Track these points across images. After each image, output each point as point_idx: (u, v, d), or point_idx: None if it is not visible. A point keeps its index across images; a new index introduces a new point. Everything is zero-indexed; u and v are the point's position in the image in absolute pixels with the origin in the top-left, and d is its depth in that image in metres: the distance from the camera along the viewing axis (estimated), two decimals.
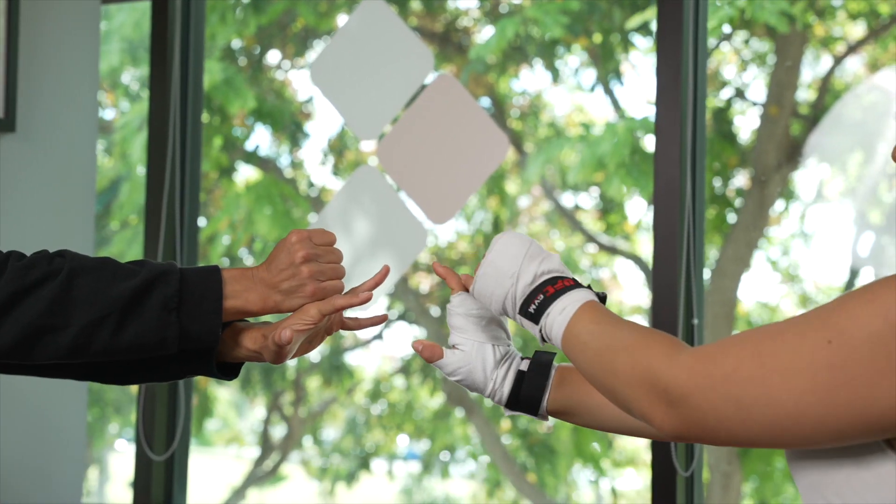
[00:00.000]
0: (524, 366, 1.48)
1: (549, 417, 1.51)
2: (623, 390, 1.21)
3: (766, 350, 1.11)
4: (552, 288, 1.35)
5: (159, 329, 1.42)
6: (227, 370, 1.58)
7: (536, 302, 1.35)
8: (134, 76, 4.34)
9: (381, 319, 1.60)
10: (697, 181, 2.61)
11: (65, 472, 2.73)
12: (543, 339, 1.36)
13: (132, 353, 1.44)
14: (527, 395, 1.48)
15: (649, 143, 3.76)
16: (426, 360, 1.47)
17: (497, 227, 4.10)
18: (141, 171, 4.04)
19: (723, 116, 3.78)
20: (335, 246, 1.55)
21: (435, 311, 4.25)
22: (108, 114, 4.38)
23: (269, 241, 4.08)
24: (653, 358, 1.19)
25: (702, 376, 1.14)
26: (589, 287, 1.36)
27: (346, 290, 1.58)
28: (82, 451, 2.78)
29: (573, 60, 4.03)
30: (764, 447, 1.15)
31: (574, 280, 1.36)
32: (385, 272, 1.56)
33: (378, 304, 4.26)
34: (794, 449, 1.18)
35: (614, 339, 1.26)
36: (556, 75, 3.99)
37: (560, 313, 1.33)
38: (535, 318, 1.35)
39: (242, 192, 4.06)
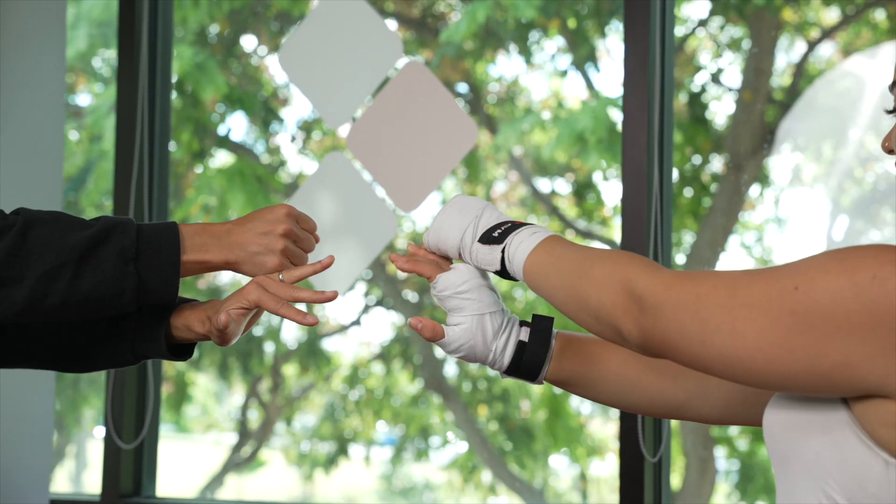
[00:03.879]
0: (524, 335, 1.49)
1: (545, 382, 1.53)
2: (597, 294, 1.25)
3: (741, 284, 1.15)
4: (519, 222, 1.41)
5: (116, 279, 1.41)
6: (178, 351, 1.58)
7: (504, 227, 1.40)
8: (104, 59, 4.32)
9: (329, 261, 1.58)
10: (665, 166, 2.61)
11: (31, 462, 2.72)
12: (502, 266, 1.39)
13: (89, 306, 1.42)
14: (527, 365, 1.49)
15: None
16: (427, 339, 1.48)
17: None
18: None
19: (698, 102, 3.78)
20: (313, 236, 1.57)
21: (413, 296, 4.24)
22: (82, 99, 4.36)
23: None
24: (633, 267, 1.24)
25: (676, 292, 1.18)
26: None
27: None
28: (49, 441, 2.77)
29: (550, 46, 4.02)
30: (716, 375, 1.18)
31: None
32: (327, 263, 1.56)
33: (356, 291, 4.26)
34: (769, 420, 1.21)
35: (596, 253, 1.30)
36: (528, 57, 3.98)
37: (531, 235, 1.37)
38: (500, 239, 1.39)
39: (214, 174, 4.04)
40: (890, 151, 1.33)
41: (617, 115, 3.75)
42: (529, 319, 1.51)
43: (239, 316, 1.51)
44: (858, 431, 1.13)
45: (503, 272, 1.41)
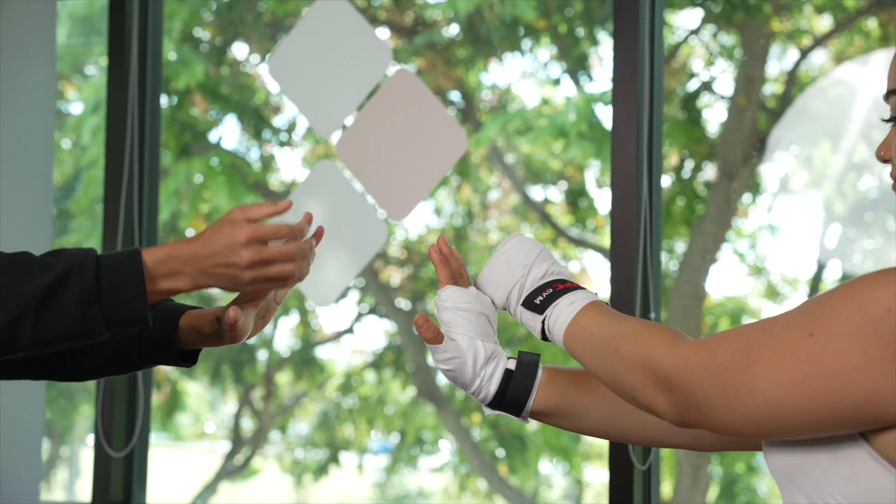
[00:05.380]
0: (511, 364, 1.48)
1: (530, 420, 1.52)
2: (628, 377, 1.26)
3: (754, 342, 1.15)
4: (562, 285, 1.40)
5: (82, 321, 1.40)
6: (185, 356, 1.58)
7: (545, 294, 1.40)
8: (86, 50, 4.31)
9: (312, 256, 1.56)
10: (654, 173, 2.61)
11: (21, 471, 2.72)
12: (543, 334, 1.39)
13: (61, 343, 1.42)
14: (513, 395, 1.48)
15: (607, 117, 3.78)
16: (426, 339, 1.46)
17: (469, 219, 4.09)
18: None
19: (690, 110, 3.78)
20: (286, 240, 1.46)
21: (405, 304, 4.24)
22: (74, 108, 4.36)
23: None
24: (655, 347, 1.23)
25: (697, 366, 1.18)
26: (595, 294, 1.40)
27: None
28: (38, 449, 2.77)
29: (542, 54, 4.03)
30: (749, 437, 1.17)
31: (582, 287, 1.41)
32: (319, 233, 1.53)
33: (349, 299, 4.26)
34: (771, 440, 1.20)
35: (621, 329, 1.30)
36: (524, 53, 3.98)
37: (569, 305, 1.37)
38: (541, 308, 1.39)
39: (195, 164, 4.04)
40: (885, 160, 1.32)
41: (602, 112, 3.76)
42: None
43: (251, 308, 1.49)
44: (871, 450, 1.12)
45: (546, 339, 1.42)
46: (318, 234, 1.52)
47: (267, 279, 1.43)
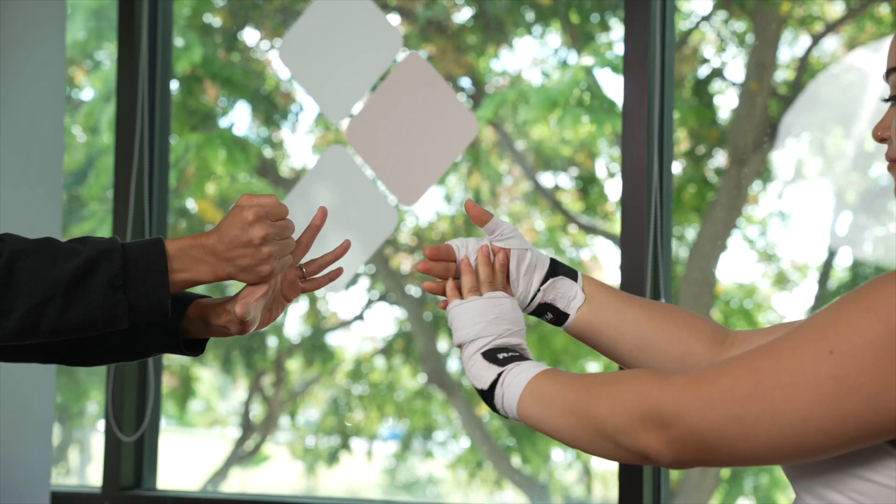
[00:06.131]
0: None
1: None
2: (611, 421, 1.19)
3: (764, 366, 1.10)
4: (525, 356, 1.36)
5: (107, 307, 1.42)
6: (192, 346, 1.61)
7: (508, 354, 1.34)
8: (99, 45, 4.31)
9: (336, 274, 1.61)
10: (665, 160, 2.60)
11: (32, 455, 2.73)
12: (490, 389, 1.33)
13: (83, 330, 1.44)
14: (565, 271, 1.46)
15: (608, 84, 3.77)
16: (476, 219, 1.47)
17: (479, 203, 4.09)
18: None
19: (701, 96, 3.77)
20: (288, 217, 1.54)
21: (416, 291, 4.24)
22: (86, 94, 4.37)
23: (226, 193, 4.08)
24: (642, 384, 1.17)
25: (696, 394, 1.13)
26: None
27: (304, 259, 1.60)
28: (49, 434, 2.77)
29: (553, 40, 4.02)
30: (769, 464, 1.13)
31: None
32: (346, 247, 1.58)
33: (359, 286, 4.26)
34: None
35: (598, 378, 1.24)
36: (532, 33, 3.97)
37: (534, 367, 1.31)
38: (503, 362, 1.33)
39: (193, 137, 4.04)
40: (882, 140, 1.30)
41: (602, 82, 3.76)
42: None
43: (261, 300, 1.51)
44: (892, 450, 1.11)
45: (488, 395, 1.34)
46: (321, 214, 1.59)
47: (280, 252, 1.49)
